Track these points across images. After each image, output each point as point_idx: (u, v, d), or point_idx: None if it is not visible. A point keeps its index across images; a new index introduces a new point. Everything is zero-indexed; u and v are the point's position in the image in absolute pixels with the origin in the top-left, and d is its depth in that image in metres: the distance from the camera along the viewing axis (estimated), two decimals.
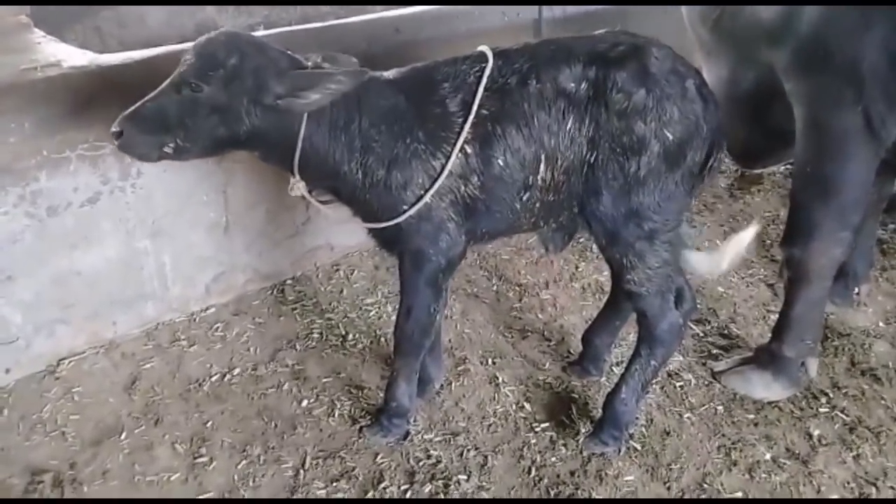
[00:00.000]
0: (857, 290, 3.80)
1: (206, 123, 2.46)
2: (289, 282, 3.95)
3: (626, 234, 2.67)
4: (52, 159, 3.10)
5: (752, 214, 4.65)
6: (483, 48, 2.69)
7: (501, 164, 2.60)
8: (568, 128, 2.56)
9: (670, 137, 2.55)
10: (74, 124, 3.14)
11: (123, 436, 3.01)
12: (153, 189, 3.37)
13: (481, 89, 2.56)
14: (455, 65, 2.66)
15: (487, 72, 2.59)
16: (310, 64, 2.57)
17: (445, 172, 2.58)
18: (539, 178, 2.63)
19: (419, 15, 4.14)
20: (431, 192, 2.60)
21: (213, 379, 3.31)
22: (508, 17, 4.29)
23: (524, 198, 2.68)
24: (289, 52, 2.58)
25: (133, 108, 2.47)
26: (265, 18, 5.46)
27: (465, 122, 2.56)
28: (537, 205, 2.71)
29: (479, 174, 2.62)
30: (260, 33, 4.01)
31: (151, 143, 2.48)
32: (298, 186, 2.67)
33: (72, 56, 3.37)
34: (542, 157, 2.59)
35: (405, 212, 2.63)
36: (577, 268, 4.17)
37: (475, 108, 2.55)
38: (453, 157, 2.57)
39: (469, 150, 2.59)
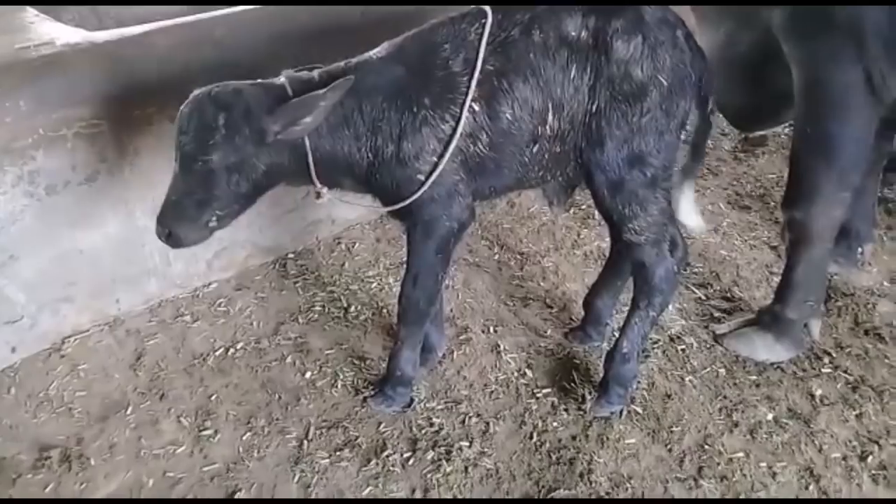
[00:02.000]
0: (860, 250, 3.76)
1: (230, 185, 2.56)
2: (290, 256, 3.96)
3: (629, 181, 2.68)
4: (48, 138, 3.10)
5: (757, 177, 4.62)
6: (482, 5, 2.67)
7: (510, 117, 2.61)
8: (572, 76, 2.58)
9: (665, 84, 2.58)
10: (70, 102, 3.14)
11: (129, 411, 3.05)
12: (152, 167, 3.37)
13: (483, 45, 2.56)
14: (453, 25, 2.65)
15: (488, 27, 2.58)
16: (283, 80, 2.58)
17: (458, 134, 2.58)
18: (547, 127, 2.64)
19: None
20: (447, 156, 2.59)
21: (217, 353, 3.34)
22: None
23: (534, 150, 2.68)
24: (260, 81, 2.60)
25: (162, 205, 2.61)
26: None
27: (470, 80, 2.55)
28: (546, 156, 2.71)
29: (487, 131, 2.62)
30: (257, 6, 3.99)
31: (197, 228, 2.63)
32: (323, 193, 2.73)
33: (66, 34, 3.36)
34: (550, 106, 2.60)
35: (423, 182, 2.62)
36: (579, 235, 4.16)
37: (479, 64, 2.55)
38: (463, 117, 2.56)
39: (477, 108, 2.59)
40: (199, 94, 2.53)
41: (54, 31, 3.39)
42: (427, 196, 2.65)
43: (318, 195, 2.75)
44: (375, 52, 2.69)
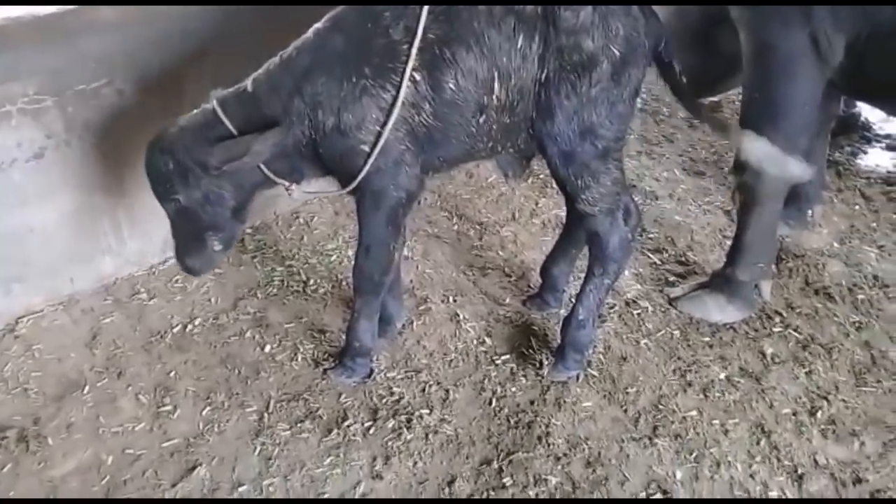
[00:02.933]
0: (810, 212, 3.85)
1: (210, 214, 2.73)
2: (248, 231, 3.93)
3: (580, 153, 2.68)
4: None
5: (711, 143, 4.68)
6: None
7: (453, 87, 2.57)
8: (519, 45, 2.54)
9: (617, 54, 2.55)
10: (13, 77, 3.06)
11: (86, 390, 3.02)
12: (102, 142, 3.32)
13: (425, 13, 2.51)
14: None
15: None
16: (213, 104, 2.64)
17: (398, 104, 2.55)
18: (494, 97, 2.61)
19: None
20: (388, 129, 2.57)
21: (175, 330, 3.32)
22: None
23: (480, 120, 2.66)
24: (194, 112, 2.70)
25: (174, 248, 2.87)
26: None
27: (410, 48, 2.52)
28: (493, 126, 2.69)
29: (430, 101, 2.59)
30: None
31: (205, 256, 2.84)
32: (292, 189, 2.80)
33: (7, 8, 3.27)
34: (496, 75, 2.57)
35: (369, 154, 2.61)
36: (537, 204, 4.18)
37: (420, 32, 2.51)
38: (403, 86, 2.53)
39: (419, 78, 2.55)
40: (148, 144, 2.70)
41: None
42: (373, 167, 2.64)
43: (288, 191, 2.81)
44: (314, 27, 2.65)
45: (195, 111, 2.71)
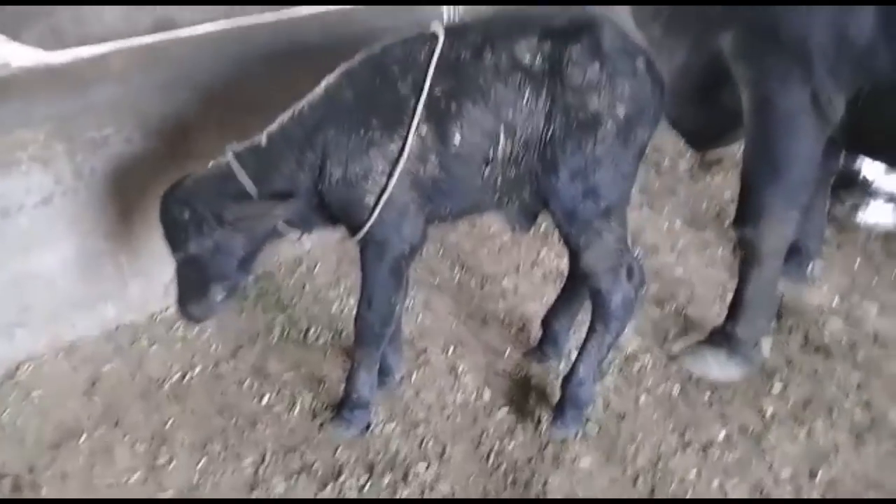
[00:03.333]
0: (810, 267, 3.85)
1: (218, 265, 2.78)
2: (251, 278, 3.94)
3: (583, 211, 2.70)
4: (3, 161, 3.07)
5: (712, 196, 4.71)
6: (435, 25, 2.69)
7: (459, 140, 2.61)
8: (525, 100, 2.57)
9: (622, 114, 2.58)
10: (25, 125, 3.11)
11: (83, 438, 3.01)
12: (108, 189, 3.36)
13: (432, 68, 2.56)
14: (404, 46, 2.67)
15: (438, 50, 2.59)
16: (228, 157, 2.70)
17: (404, 156, 2.58)
18: (500, 149, 2.64)
19: (373, 7, 4.13)
20: (395, 178, 2.61)
21: (174, 378, 3.32)
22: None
23: (485, 173, 2.68)
24: (210, 166, 2.75)
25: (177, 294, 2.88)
26: (225, 14, 5.40)
27: (417, 102, 2.56)
28: (499, 179, 2.71)
29: (437, 153, 2.62)
30: (218, 26, 3.99)
31: (207, 304, 2.85)
32: (302, 241, 2.92)
33: (22, 55, 3.32)
34: (502, 128, 2.60)
35: (375, 204, 2.65)
36: (538, 254, 4.20)
37: (426, 87, 2.56)
38: (410, 138, 2.57)
39: (425, 130, 2.59)
40: (164, 193, 2.74)
41: (11, 53, 3.36)
42: (377, 218, 2.66)
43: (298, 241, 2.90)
44: (325, 82, 2.71)
45: (211, 163, 2.76)
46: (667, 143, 5.21)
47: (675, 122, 3.73)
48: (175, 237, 2.74)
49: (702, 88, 3.26)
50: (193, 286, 2.83)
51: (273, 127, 2.73)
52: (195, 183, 2.72)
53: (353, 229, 2.76)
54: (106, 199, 3.39)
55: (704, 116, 3.40)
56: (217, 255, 2.75)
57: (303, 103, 2.71)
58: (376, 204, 2.64)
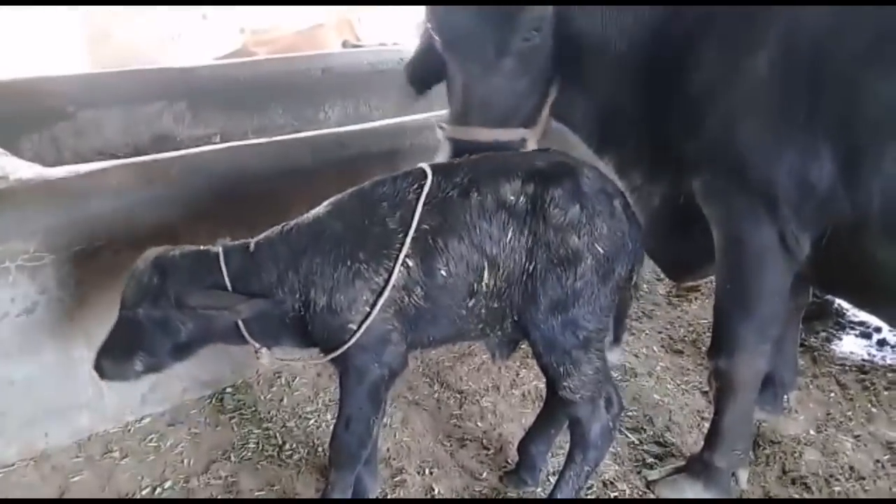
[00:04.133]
0: (786, 397, 3.89)
1: (154, 339, 2.73)
2: (228, 390, 3.94)
3: (562, 342, 2.76)
4: None
5: (690, 322, 4.79)
6: (423, 165, 2.83)
7: (445, 273, 2.70)
8: (508, 238, 2.68)
9: (601, 252, 2.69)
10: (16, 236, 3.19)
11: None
12: (92, 299, 3.40)
13: (420, 205, 2.68)
14: (395, 183, 2.79)
15: (426, 188, 2.71)
16: (217, 249, 2.76)
17: (389, 287, 2.66)
18: (483, 284, 2.72)
19: (364, 131, 4.32)
20: (376, 310, 2.67)
21: (144, 492, 3.25)
22: None
23: (470, 304, 2.76)
24: (199, 249, 2.79)
25: (102, 344, 2.81)
26: (221, 130, 5.63)
27: (405, 237, 2.66)
28: (483, 311, 2.79)
29: (422, 285, 2.70)
30: (212, 147, 4.16)
31: (124, 368, 2.80)
32: (262, 354, 2.83)
33: (19, 169, 3.45)
34: (486, 264, 2.69)
35: (355, 332, 2.70)
36: (518, 374, 4.22)
37: (415, 223, 2.66)
38: (395, 272, 2.65)
39: (411, 264, 2.68)
40: (155, 251, 2.77)
41: (9, 166, 3.48)
42: (358, 343, 2.71)
43: (258, 354, 2.83)
44: (316, 210, 2.82)
45: (200, 248, 2.79)
46: (645, 268, 5.33)
47: (654, 256, 3.86)
48: (132, 294, 2.71)
49: (677, 227, 3.38)
50: (121, 346, 2.77)
51: (263, 237, 2.81)
52: (178, 258, 2.73)
53: (328, 351, 2.80)
54: (89, 308, 3.42)
55: (681, 252, 3.52)
56: (159, 332, 2.72)
57: (293, 224, 2.80)
58: (356, 331, 2.69)
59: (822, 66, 2.70)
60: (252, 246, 2.78)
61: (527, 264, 2.69)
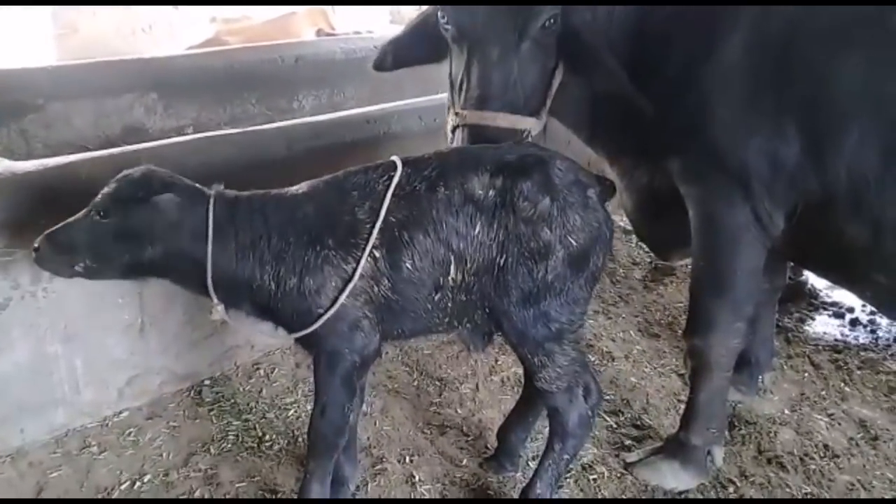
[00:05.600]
0: (761, 378, 3.95)
1: (111, 249, 2.66)
2: (206, 382, 3.92)
3: (535, 335, 2.77)
4: None
5: (665, 305, 4.83)
6: (394, 157, 2.83)
7: (410, 266, 2.70)
8: (476, 232, 2.68)
9: (574, 244, 2.69)
10: None
11: None
12: (66, 293, 3.36)
13: (388, 197, 2.68)
14: (366, 174, 2.79)
15: (395, 180, 2.71)
16: (211, 191, 2.74)
17: (356, 276, 2.67)
18: (450, 278, 2.73)
19: (338, 120, 4.30)
20: (344, 296, 2.68)
21: (123, 487, 3.24)
22: (425, 121, 4.47)
23: (436, 298, 2.77)
24: (198, 187, 2.75)
25: (54, 227, 2.67)
26: (194, 121, 5.56)
27: (372, 228, 2.66)
28: (449, 304, 2.79)
29: (388, 277, 2.71)
30: (184, 138, 4.12)
31: (63, 262, 2.70)
32: (218, 310, 2.77)
33: None
34: (452, 258, 2.70)
35: (321, 315, 2.70)
36: (496, 361, 4.24)
37: (382, 214, 2.66)
38: (362, 262, 2.66)
39: (378, 255, 2.69)
40: (144, 167, 2.71)
41: None
42: (330, 329, 2.72)
43: (213, 308, 2.78)
44: (294, 189, 2.82)
45: (195, 185, 2.75)
46: (621, 252, 5.39)
47: (640, 235, 3.92)
48: (109, 200, 2.63)
49: (661, 206, 3.42)
50: (73, 242, 2.65)
51: (245, 196, 2.78)
52: (171, 185, 2.67)
53: (292, 330, 2.80)
54: (63, 303, 3.38)
55: (665, 230, 3.56)
56: (120, 244, 2.65)
57: (273, 195, 2.80)
58: (323, 314, 2.70)
59: (789, 49, 2.77)
60: (237, 201, 2.76)
61: (497, 258, 2.69)
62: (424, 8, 3.38)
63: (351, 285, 2.66)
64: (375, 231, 2.65)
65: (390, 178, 2.72)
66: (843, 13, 2.73)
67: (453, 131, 3.03)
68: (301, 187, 2.84)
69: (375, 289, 2.71)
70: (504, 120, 2.92)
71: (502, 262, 2.68)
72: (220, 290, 2.75)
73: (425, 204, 2.69)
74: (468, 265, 2.70)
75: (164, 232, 2.65)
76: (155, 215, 2.62)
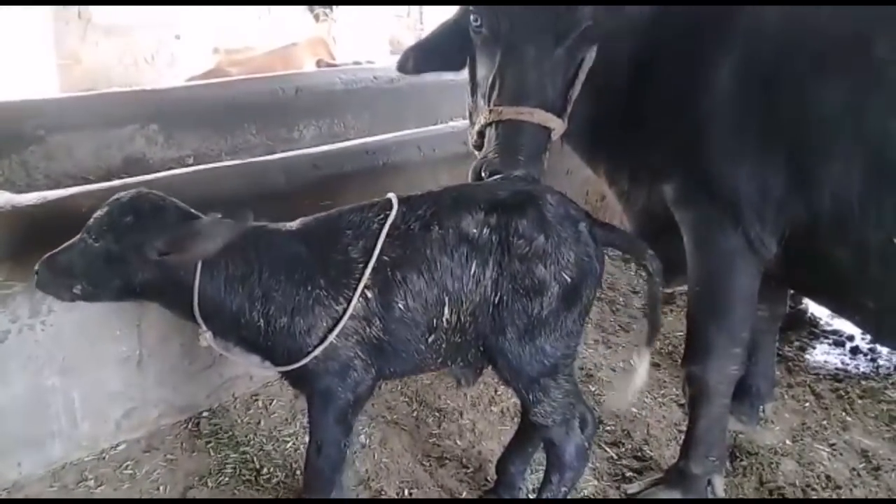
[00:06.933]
0: (762, 408, 3.93)
1: (103, 273, 2.68)
2: (205, 414, 3.90)
3: (530, 371, 2.76)
4: None
5: (666, 334, 4.82)
6: (391, 195, 2.83)
7: (402, 307, 2.69)
8: (472, 272, 2.67)
9: (568, 279, 2.69)
10: None
11: None
12: (64, 326, 3.36)
13: (383, 237, 2.68)
14: (361, 212, 2.79)
15: (390, 220, 2.71)
16: (206, 218, 2.70)
17: (346, 316, 2.66)
18: (444, 320, 2.71)
19: (337, 151, 4.32)
20: (332, 336, 2.67)
21: None
22: (424, 151, 4.50)
23: (429, 339, 2.76)
24: (192, 211, 2.73)
25: (53, 251, 2.71)
26: (195, 151, 5.60)
27: (365, 267, 2.66)
28: (443, 346, 2.79)
29: (380, 317, 2.70)
30: (184, 169, 4.15)
31: (62, 285, 2.72)
32: (205, 337, 2.77)
33: None
34: (446, 300, 2.68)
35: (309, 354, 2.70)
36: (496, 391, 4.21)
37: (376, 254, 2.66)
38: (354, 302, 2.65)
39: (370, 295, 2.68)
40: (138, 190, 2.72)
41: None
42: (322, 368, 2.72)
43: (201, 335, 2.78)
44: (288, 226, 2.82)
45: (191, 210, 2.74)
46: (620, 280, 5.39)
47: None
48: (100, 224, 2.65)
49: (659, 229, 3.44)
50: (69, 266, 2.68)
51: (244, 225, 2.73)
52: (161, 208, 2.67)
53: (279, 363, 2.79)
54: (61, 336, 3.37)
55: (665, 253, 3.56)
56: (112, 268, 2.65)
57: (267, 229, 2.80)
58: (310, 352, 2.69)
59: (776, 77, 2.82)
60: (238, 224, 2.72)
61: (492, 296, 2.68)
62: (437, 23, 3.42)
63: (341, 325, 2.65)
64: (368, 271, 2.65)
65: (385, 217, 2.71)
66: (829, 41, 2.77)
67: (481, 133, 3.02)
68: (295, 224, 2.84)
69: (367, 329, 2.70)
70: (538, 116, 2.92)
71: (497, 300, 2.67)
72: (207, 319, 2.74)
73: (419, 244, 2.68)
74: (463, 305, 2.69)
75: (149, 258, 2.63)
76: (145, 242, 2.61)
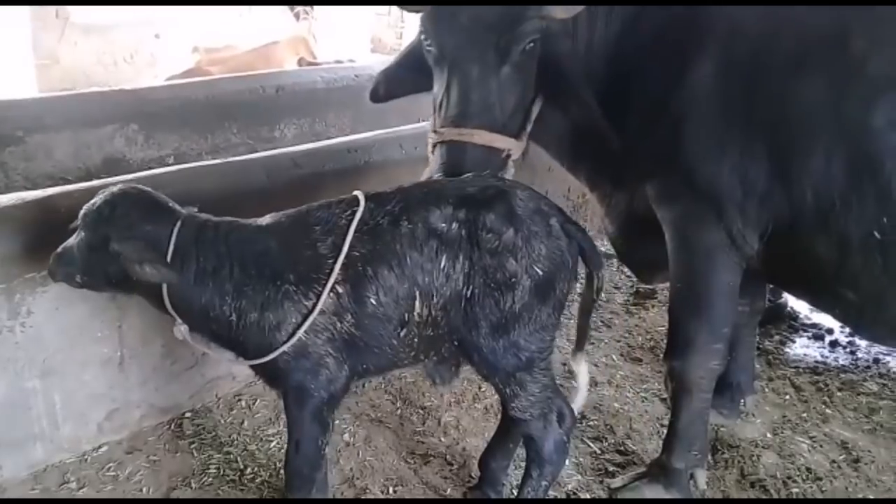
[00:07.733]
0: (743, 401, 3.97)
1: (89, 263, 2.73)
2: (188, 415, 3.88)
3: (505, 365, 2.78)
4: None
5: (648, 329, 4.85)
6: (357, 192, 2.82)
7: (374, 302, 2.69)
8: (442, 266, 2.67)
9: (539, 273, 2.70)
10: None
11: None
12: (44, 327, 3.33)
13: (351, 232, 2.68)
14: (329, 209, 2.78)
15: (358, 215, 2.71)
16: (182, 213, 2.74)
17: (315, 312, 2.66)
18: (415, 314, 2.72)
19: (318, 149, 4.32)
20: (301, 331, 2.67)
21: None
22: (406, 149, 4.50)
23: (401, 333, 2.76)
24: (172, 206, 2.75)
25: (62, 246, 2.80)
26: (175, 151, 5.58)
27: (335, 263, 2.66)
28: (416, 340, 2.79)
29: (352, 313, 2.70)
30: (165, 169, 4.12)
31: (67, 274, 2.81)
32: (180, 329, 2.77)
33: None
34: (417, 294, 2.69)
35: (278, 349, 2.70)
36: (480, 388, 4.23)
37: (345, 250, 2.66)
38: (323, 298, 2.65)
39: (341, 290, 2.68)
40: (126, 186, 2.78)
41: None
42: (294, 365, 2.72)
43: (175, 327, 2.80)
44: (259, 220, 2.82)
45: (170, 205, 2.77)
46: (603, 278, 5.40)
47: (622, 259, 3.94)
48: (84, 216, 2.71)
49: (642, 229, 3.46)
50: (71, 258, 2.75)
51: (213, 222, 2.77)
52: (141, 202, 2.72)
53: (250, 357, 2.80)
54: (41, 338, 3.35)
55: (647, 253, 3.60)
56: (95, 260, 2.71)
57: (238, 225, 2.79)
58: (279, 347, 2.69)
59: (755, 74, 2.86)
60: (205, 226, 2.76)
61: (464, 290, 2.69)
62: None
63: (310, 320, 2.65)
64: (337, 267, 2.65)
65: (353, 213, 2.71)
66: (806, 38, 2.81)
67: (433, 150, 3.05)
68: (265, 219, 2.83)
69: (339, 325, 2.70)
70: (480, 137, 2.93)
71: (469, 294, 2.68)
72: (181, 313, 2.76)
73: (389, 238, 2.68)
74: (434, 299, 2.70)
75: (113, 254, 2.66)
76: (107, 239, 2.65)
